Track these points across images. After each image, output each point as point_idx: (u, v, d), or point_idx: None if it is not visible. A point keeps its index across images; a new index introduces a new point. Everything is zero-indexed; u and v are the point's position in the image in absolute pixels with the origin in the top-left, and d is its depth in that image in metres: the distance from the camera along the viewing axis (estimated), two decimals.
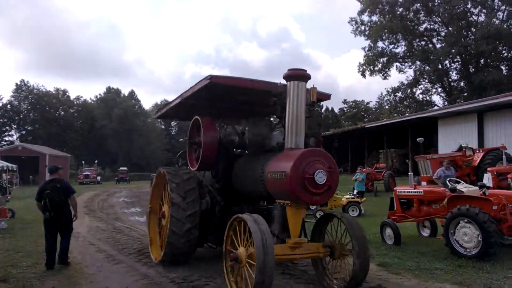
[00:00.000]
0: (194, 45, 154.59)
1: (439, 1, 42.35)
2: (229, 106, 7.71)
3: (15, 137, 70.87)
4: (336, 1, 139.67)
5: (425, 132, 25.29)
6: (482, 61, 42.42)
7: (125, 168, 56.19)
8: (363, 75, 48.63)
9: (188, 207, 6.94)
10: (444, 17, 42.38)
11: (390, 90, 49.43)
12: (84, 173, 47.94)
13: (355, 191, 16.27)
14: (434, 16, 44.32)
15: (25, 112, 72.28)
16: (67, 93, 77.82)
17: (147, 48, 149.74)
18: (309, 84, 5.82)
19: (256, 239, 4.64)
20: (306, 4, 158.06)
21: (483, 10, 41.57)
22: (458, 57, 42.97)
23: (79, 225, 11.63)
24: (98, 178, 49.54)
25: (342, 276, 5.70)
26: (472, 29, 41.73)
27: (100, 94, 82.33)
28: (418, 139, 15.02)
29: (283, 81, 5.85)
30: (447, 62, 44.31)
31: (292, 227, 5.43)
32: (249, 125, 7.13)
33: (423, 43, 46.79)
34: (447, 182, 9.12)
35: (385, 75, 47.84)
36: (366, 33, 46.93)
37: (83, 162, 56.44)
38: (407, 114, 41.20)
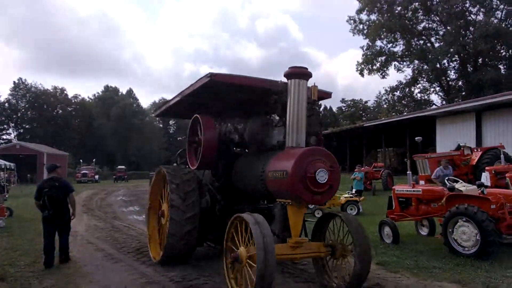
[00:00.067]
0: (192, 44, 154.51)
1: (437, 0, 42.44)
2: (229, 104, 7.63)
3: (13, 135, 70.74)
4: (335, 0, 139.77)
5: (423, 131, 25.27)
6: (480, 60, 42.53)
7: (123, 166, 56.11)
8: (362, 74, 48.82)
9: (187, 209, 6.87)
10: (443, 16, 42.43)
11: (388, 89, 49.67)
12: (82, 172, 47.81)
13: (354, 190, 16.31)
14: (432, 15, 44.40)
15: (23, 110, 72.09)
16: (65, 92, 77.72)
17: (145, 47, 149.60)
18: (310, 83, 5.78)
19: (258, 242, 4.59)
20: (304, 2, 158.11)
21: (482, 9, 41.69)
22: (456, 56, 43.09)
23: (77, 223, 11.62)
24: (96, 176, 49.40)
25: (343, 276, 5.68)
26: (471, 28, 41.79)
27: (98, 93, 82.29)
28: (416, 138, 15.00)
29: (284, 79, 5.81)
30: (445, 61, 44.42)
31: (293, 226, 5.40)
32: (250, 123, 7.08)
33: (422, 42, 46.89)
34: (446, 181, 9.14)
35: (383, 74, 47.97)
36: (365, 32, 47.05)
37: (81, 160, 56.33)
38: (405, 113, 41.33)
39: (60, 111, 74.82)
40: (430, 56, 43.08)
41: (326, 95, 7.25)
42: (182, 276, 6.56)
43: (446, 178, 9.51)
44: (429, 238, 9.28)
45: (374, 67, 47.54)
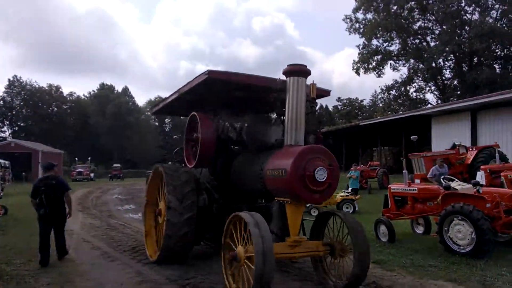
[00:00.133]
0: (188, 42, 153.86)
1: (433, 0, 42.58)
2: (227, 102, 7.55)
3: (7, 133, 70.48)
4: None
5: (418, 130, 25.35)
6: (475, 59, 42.74)
7: (118, 165, 55.93)
8: (358, 73, 48.93)
9: (185, 210, 6.79)
10: (438, 15, 42.60)
11: (384, 88, 49.81)
12: (77, 170, 47.61)
13: (350, 189, 16.36)
14: (428, 15, 44.54)
15: (18, 108, 71.75)
16: (60, 89, 77.47)
17: (141, 44, 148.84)
18: (308, 80, 5.73)
19: (257, 246, 4.54)
20: (301, 1, 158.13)
21: (477, 9, 41.90)
22: (451, 55, 43.26)
23: (73, 222, 11.56)
24: (92, 175, 49.20)
25: (341, 274, 5.69)
26: (466, 27, 42.00)
27: (93, 91, 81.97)
28: (412, 137, 15.09)
29: (282, 77, 5.77)
30: (440, 60, 44.61)
31: (292, 225, 5.36)
32: (248, 121, 7.03)
33: (417, 41, 47.08)
34: (441, 180, 9.17)
35: (379, 73, 48.16)
36: (361, 30, 47.11)
37: (76, 158, 56.12)
38: (401, 112, 41.46)
39: (55, 109, 74.54)
40: (425, 55, 43.23)
41: (325, 93, 7.22)
42: (179, 274, 6.54)
43: (442, 177, 9.55)
44: (424, 237, 9.32)
45: (370, 66, 47.65)
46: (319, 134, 6.09)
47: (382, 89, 50.49)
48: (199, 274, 6.59)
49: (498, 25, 40.21)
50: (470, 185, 8.42)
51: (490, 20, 40.64)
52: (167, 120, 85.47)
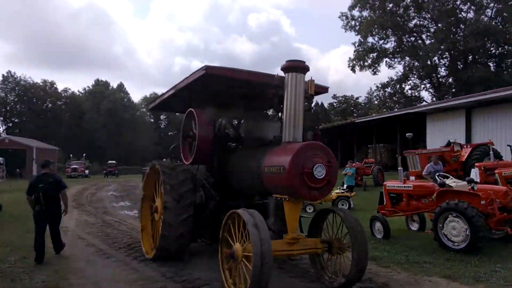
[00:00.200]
0: (183, 38, 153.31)
1: None
2: (224, 98, 7.45)
3: (1, 129, 69.97)
4: None
5: (413, 128, 25.46)
6: (470, 57, 42.90)
7: (113, 161, 55.70)
8: (353, 70, 48.87)
9: (182, 211, 6.73)
10: (434, 13, 42.68)
11: (380, 86, 49.83)
12: (72, 167, 47.33)
13: (345, 186, 16.39)
14: (424, 12, 44.62)
15: (12, 104, 71.27)
16: (55, 85, 76.98)
17: (136, 40, 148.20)
18: (306, 77, 5.68)
19: (255, 247, 4.51)
20: None
21: (472, 7, 41.99)
22: (447, 53, 43.39)
23: (67, 219, 11.50)
24: (86, 171, 48.95)
25: (335, 271, 5.71)
26: (461, 26, 42.13)
27: (88, 87, 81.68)
28: (407, 134, 15.16)
29: (280, 73, 5.72)
30: (436, 58, 44.73)
31: (290, 222, 5.33)
32: (245, 118, 6.97)
33: (413, 39, 47.18)
34: (436, 177, 9.22)
35: (374, 70, 48.11)
36: (357, 28, 47.11)
37: (71, 155, 55.78)
38: (396, 110, 41.48)
39: (50, 105, 74.10)
40: (421, 53, 43.35)
41: (323, 89, 7.15)
42: (175, 271, 6.54)
43: (437, 174, 9.60)
44: (419, 233, 9.38)
45: (366, 64, 47.66)
46: (317, 131, 6.05)
47: (377, 86, 50.58)
48: (195, 271, 6.59)
49: (493, 23, 40.38)
50: (465, 182, 8.47)
51: (485, 19, 40.79)
52: (162, 117, 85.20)
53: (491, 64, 43.00)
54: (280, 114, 6.04)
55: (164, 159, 9.26)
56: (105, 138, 71.40)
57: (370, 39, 47.19)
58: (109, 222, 12.71)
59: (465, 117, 23.71)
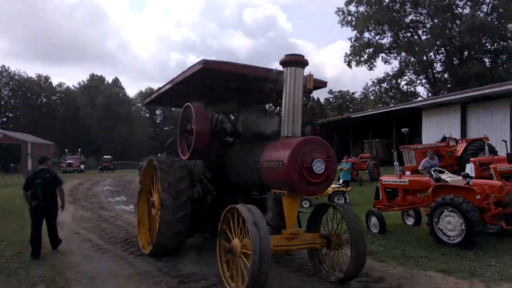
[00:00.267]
0: (179, 33, 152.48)
1: None
2: (222, 92, 7.37)
3: None
4: None
5: (409, 123, 25.53)
6: (466, 53, 43.02)
7: (109, 156, 55.39)
8: (349, 65, 48.95)
9: (179, 208, 6.68)
10: (430, 9, 42.74)
11: (376, 81, 49.99)
12: (67, 161, 46.95)
13: (341, 181, 16.43)
14: (420, 8, 44.67)
15: (6, 98, 70.75)
16: (49, 80, 76.35)
17: (131, 35, 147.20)
18: (305, 71, 5.64)
19: (254, 244, 4.49)
20: None
21: (468, 3, 42.08)
22: (442, 49, 43.56)
23: (64, 214, 11.44)
24: (82, 166, 48.61)
25: (333, 265, 5.73)
26: (457, 21, 42.21)
27: (83, 81, 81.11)
28: (402, 129, 15.15)
29: (279, 67, 5.67)
30: (432, 53, 44.82)
31: (288, 217, 5.32)
32: (243, 112, 6.91)
33: (409, 34, 47.24)
34: (432, 172, 9.25)
35: (370, 65, 48.27)
36: (353, 23, 47.12)
37: (66, 150, 55.44)
38: (392, 105, 41.63)
39: (45, 99, 73.57)
40: (417, 49, 43.46)
41: (322, 84, 7.12)
42: (172, 266, 6.54)
43: (433, 169, 9.63)
44: (415, 228, 9.42)
45: (362, 59, 47.74)
46: (316, 126, 6.02)
47: (373, 82, 50.74)
48: (192, 265, 6.58)
49: (489, 19, 40.47)
50: (460, 177, 8.50)
51: (481, 15, 40.87)
52: (158, 112, 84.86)
53: (486, 60, 43.17)
54: (278, 108, 6.00)
55: (159, 154, 9.18)
56: (100, 133, 71.04)
57: (366, 35, 47.35)
58: (105, 217, 12.68)
59: (461, 112, 23.83)
